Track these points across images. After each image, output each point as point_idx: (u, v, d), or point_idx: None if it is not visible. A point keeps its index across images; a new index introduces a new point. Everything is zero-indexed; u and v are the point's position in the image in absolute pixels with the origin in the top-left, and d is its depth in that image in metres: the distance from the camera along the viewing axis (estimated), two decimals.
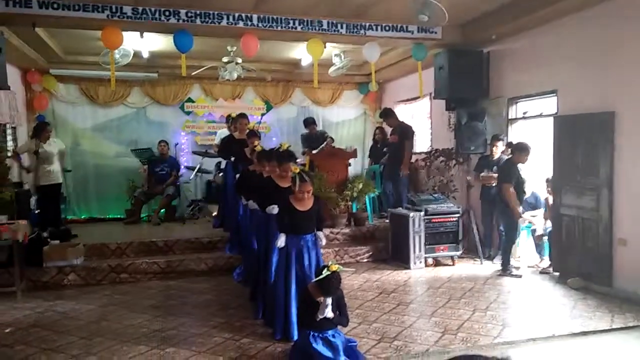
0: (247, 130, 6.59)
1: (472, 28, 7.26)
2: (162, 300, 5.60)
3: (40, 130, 7.51)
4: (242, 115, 7.22)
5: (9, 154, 7.51)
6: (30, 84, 9.18)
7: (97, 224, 9.11)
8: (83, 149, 9.86)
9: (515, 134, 7.28)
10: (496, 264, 6.99)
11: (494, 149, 7.09)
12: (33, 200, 7.57)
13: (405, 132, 8.29)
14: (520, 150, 6.31)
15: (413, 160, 9.59)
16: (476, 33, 7.24)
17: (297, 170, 4.37)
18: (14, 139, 8.50)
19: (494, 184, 6.99)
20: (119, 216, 9.46)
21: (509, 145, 6.66)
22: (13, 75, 8.16)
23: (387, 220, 7.68)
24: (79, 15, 6.12)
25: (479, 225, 7.33)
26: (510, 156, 6.51)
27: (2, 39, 6.14)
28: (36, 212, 7.49)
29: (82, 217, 9.66)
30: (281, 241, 4.29)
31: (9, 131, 8.34)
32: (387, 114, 8.70)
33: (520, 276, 6.33)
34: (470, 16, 7.00)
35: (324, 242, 4.51)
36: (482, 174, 7.18)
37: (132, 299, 5.65)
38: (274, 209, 4.61)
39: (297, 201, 4.31)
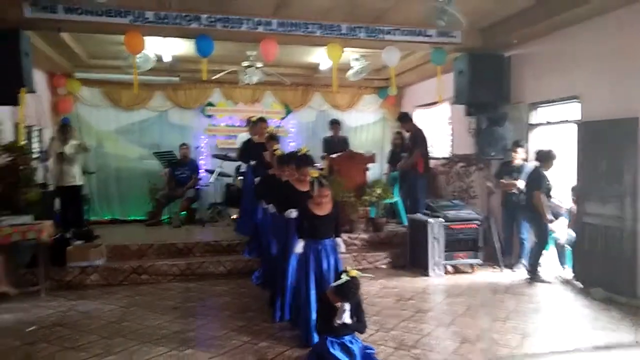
0: (267, 134, 6.63)
1: (493, 32, 7.20)
2: (181, 302, 5.66)
3: (65, 131, 7.67)
4: (262, 119, 7.28)
5: (35, 156, 7.67)
6: (56, 88, 9.38)
7: (119, 226, 9.25)
8: (106, 152, 10.03)
9: (536, 139, 7.20)
10: (516, 272, 6.90)
11: (515, 154, 7.01)
12: (57, 201, 7.72)
13: (415, 137, 8.31)
14: (547, 158, 6.45)
15: (432, 165, 9.55)
16: (497, 37, 7.18)
17: (316, 175, 4.38)
18: (40, 141, 8.70)
19: (514, 191, 6.92)
20: (140, 218, 9.59)
21: (537, 153, 6.59)
22: (39, 78, 8.35)
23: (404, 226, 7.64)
24: (102, 20, 6.24)
25: (499, 232, 7.24)
26: (538, 164, 6.48)
27: (29, 43, 6.29)
28: (59, 212, 7.64)
29: (105, 218, 9.81)
30: (299, 247, 4.31)
31: (35, 133, 8.54)
32: (403, 118, 8.71)
33: (549, 282, 6.31)
34: (491, 20, 6.94)
35: (343, 248, 4.53)
36: (503, 180, 7.10)
37: (153, 300, 5.73)
38: (293, 213, 4.64)
39: (315, 206, 4.32)
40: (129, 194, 9.96)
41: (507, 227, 7.24)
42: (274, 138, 6.47)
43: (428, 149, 8.45)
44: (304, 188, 4.64)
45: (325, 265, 4.35)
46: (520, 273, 6.88)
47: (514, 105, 7.43)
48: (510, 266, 7.09)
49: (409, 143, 8.49)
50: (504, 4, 6.32)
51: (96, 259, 6.46)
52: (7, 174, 6.29)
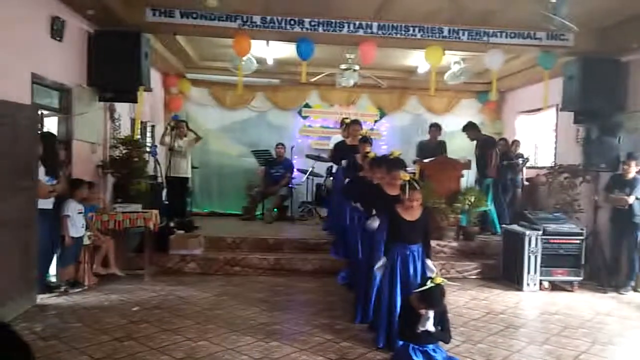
0: (360, 137, 6.67)
1: (609, 35, 6.69)
2: (269, 296, 5.87)
3: (178, 127, 8.29)
4: (356, 122, 7.33)
5: (147, 150, 8.35)
6: (168, 87, 10.12)
7: (217, 218, 9.78)
8: (210, 148, 10.62)
9: None
10: (624, 295, 6.34)
11: (628, 167, 6.43)
12: (164, 192, 8.35)
13: (487, 143, 8.36)
14: None
15: (533, 175, 9.10)
16: (614, 40, 6.66)
17: (407, 178, 4.33)
18: (152, 136, 9.45)
19: (626, 206, 6.37)
20: (236, 212, 10.06)
21: None
22: (155, 78, 9.03)
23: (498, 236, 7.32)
24: (214, 24, 6.68)
25: (605, 250, 6.69)
26: None
27: (149, 45, 6.86)
28: (165, 202, 8.25)
29: (205, 210, 10.42)
30: (381, 262, 4.30)
31: (148, 128, 9.29)
32: (467, 127, 8.70)
33: None
34: (609, 22, 6.45)
35: (434, 270, 4.37)
36: (613, 194, 6.55)
37: (243, 291, 5.99)
38: (375, 223, 4.62)
39: (404, 210, 4.28)
40: (228, 189, 10.50)
41: (615, 245, 6.67)
42: (366, 140, 6.49)
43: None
44: (394, 192, 4.60)
45: (411, 271, 4.29)
46: (628, 295, 6.32)
47: (630, 115, 6.83)
48: (616, 287, 6.53)
49: (477, 151, 8.52)
50: (630, 3, 5.81)
51: (195, 249, 6.89)
52: (122, 165, 6.90)
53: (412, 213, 4.28)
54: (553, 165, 8.22)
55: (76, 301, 5.38)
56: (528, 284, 6.42)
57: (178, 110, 10.31)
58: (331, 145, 8.67)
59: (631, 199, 6.33)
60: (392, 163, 4.78)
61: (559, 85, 7.36)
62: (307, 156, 10.23)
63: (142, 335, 4.46)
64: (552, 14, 5.11)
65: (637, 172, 6.42)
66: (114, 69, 6.44)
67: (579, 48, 6.88)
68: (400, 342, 3.91)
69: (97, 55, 6.52)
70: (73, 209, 5.60)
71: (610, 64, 6.92)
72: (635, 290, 6.50)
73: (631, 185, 6.38)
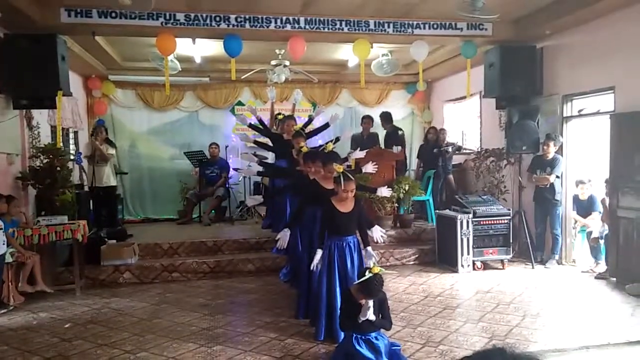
0: (293, 131, 6.64)
1: (525, 23, 7.03)
2: (211, 299, 5.76)
3: (96, 133, 7.90)
4: (290, 117, 7.30)
5: (72, 157, 7.92)
6: (91, 90, 9.66)
7: (151, 225, 9.47)
8: (139, 152, 10.26)
9: (570, 133, 7.00)
10: (549, 268, 6.75)
11: (547, 148, 6.83)
12: (91, 201, 7.96)
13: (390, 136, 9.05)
14: None
15: (462, 160, 9.48)
16: (529, 28, 7.01)
17: (341, 170, 4.37)
18: (76, 143, 8.98)
19: (547, 185, 6.76)
20: (172, 217, 9.79)
21: None
22: (75, 81, 8.61)
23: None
24: (135, 23, 6.40)
25: (531, 227, 7.09)
26: None
27: (65, 47, 6.50)
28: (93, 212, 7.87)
29: (138, 217, 10.05)
30: (317, 258, 4.33)
31: (71, 135, 8.82)
32: (382, 118, 9.42)
33: None
34: (524, 11, 6.77)
35: (373, 256, 4.42)
36: (535, 175, 6.94)
37: (183, 298, 5.84)
38: (286, 234, 4.69)
39: (339, 202, 4.32)
40: (161, 194, 10.18)
41: (539, 222, 7.08)
42: (300, 135, 6.48)
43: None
44: (330, 186, 4.64)
45: (349, 262, 4.35)
46: (552, 268, 6.73)
47: (547, 98, 7.24)
48: (542, 262, 6.94)
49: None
50: None
51: (129, 258, 6.64)
52: (45, 175, 6.51)
53: (347, 205, 4.33)
54: (479, 150, 8.59)
55: (1, 323, 5.05)
56: (462, 266, 6.68)
57: (103, 114, 9.86)
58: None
59: (552, 178, 6.73)
60: (328, 157, 4.80)
61: (481, 73, 7.68)
62: (243, 154, 10.07)
63: (76, 352, 4.25)
64: (470, 7, 5.31)
65: (555, 152, 6.83)
66: (29, 74, 6.08)
67: (498, 37, 7.19)
68: (343, 334, 3.96)
69: (8, 61, 6.10)
70: None
71: (526, 51, 7.28)
72: (559, 263, 6.93)
73: (551, 165, 6.78)
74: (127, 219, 9.56)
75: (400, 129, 9.47)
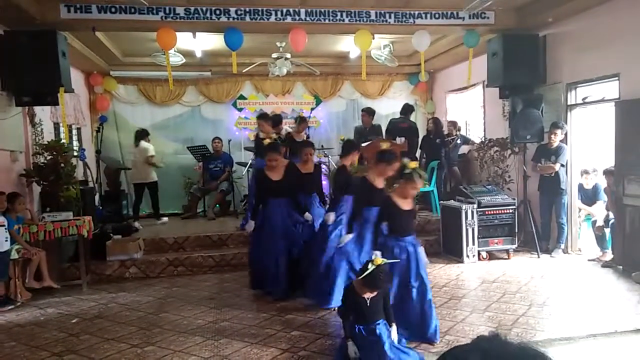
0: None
1: (527, 11, 6.96)
2: (216, 293, 5.77)
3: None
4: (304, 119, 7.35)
5: (75, 154, 7.93)
6: (93, 86, 9.65)
7: (156, 220, 9.44)
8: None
9: (575, 121, 6.95)
10: (554, 257, 6.72)
11: (553, 137, 6.78)
12: (97, 197, 7.98)
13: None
14: None
15: (465, 151, 9.43)
16: (532, 16, 6.94)
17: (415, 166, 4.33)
18: (79, 139, 8.99)
19: (552, 174, 6.73)
20: (176, 212, 9.79)
21: None
22: (77, 78, 8.60)
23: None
24: (135, 18, 6.37)
25: (536, 217, 7.06)
26: None
27: (66, 43, 6.48)
28: (99, 208, 7.89)
29: (144, 212, 10.04)
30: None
31: (74, 132, 8.82)
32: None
33: None
34: None
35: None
36: (540, 164, 6.90)
37: (189, 292, 5.86)
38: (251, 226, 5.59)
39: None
40: (165, 189, 10.13)
41: (545, 212, 7.05)
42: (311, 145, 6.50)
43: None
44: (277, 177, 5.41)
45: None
46: (558, 257, 6.71)
47: (551, 86, 7.19)
48: (548, 251, 6.92)
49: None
50: None
51: (134, 253, 6.65)
52: (49, 172, 6.51)
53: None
54: (483, 140, 8.54)
55: (9, 319, 5.07)
56: (468, 256, 6.67)
57: (105, 110, 9.86)
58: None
59: (557, 167, 6.69)
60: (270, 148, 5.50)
61: (483, 62, 7.63)
62: (246, 148, 10.08)
63: (84, 347, 4.27)
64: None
65: (560, 141, 6.79)
66: (30, 71, 6.05)
67: (500, 25, 7.13)
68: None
69: (9, 58, 6.09)
70: None
71: (529, 39, 7.23)
72: (565, 252, 6.91)
73: (556, 154, 6.73)
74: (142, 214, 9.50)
75: (413, 122, 9.30)
